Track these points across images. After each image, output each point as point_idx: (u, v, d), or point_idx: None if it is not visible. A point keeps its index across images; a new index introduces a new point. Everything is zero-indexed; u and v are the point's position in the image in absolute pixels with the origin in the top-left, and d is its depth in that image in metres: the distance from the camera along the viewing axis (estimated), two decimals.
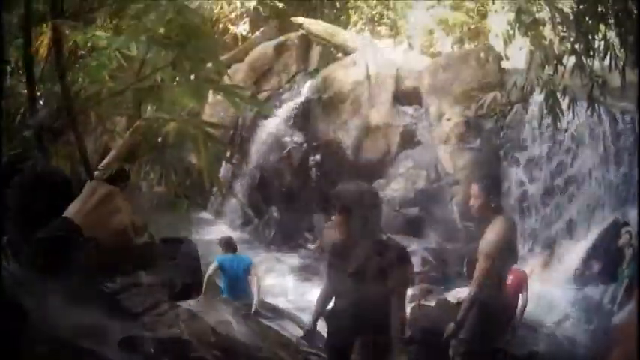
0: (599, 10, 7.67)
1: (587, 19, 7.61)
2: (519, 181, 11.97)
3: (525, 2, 8.16)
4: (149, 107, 3.83)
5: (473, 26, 18.03)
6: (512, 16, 12.05)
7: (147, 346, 3.48)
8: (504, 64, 13.30)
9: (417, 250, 11.18)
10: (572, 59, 7.75)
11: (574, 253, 10.96)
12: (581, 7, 7.71)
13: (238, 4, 17.66)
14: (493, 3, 17.76)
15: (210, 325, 4.87)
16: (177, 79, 3.51)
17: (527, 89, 8.19)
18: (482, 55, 13.09)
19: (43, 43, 3.70)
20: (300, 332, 8.25)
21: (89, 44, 3.98)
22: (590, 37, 7.65)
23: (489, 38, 17.35)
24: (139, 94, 3.56)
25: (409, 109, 13.52)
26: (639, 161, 10.18)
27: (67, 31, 3.58)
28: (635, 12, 7.38)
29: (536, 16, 8.38)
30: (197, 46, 2.90)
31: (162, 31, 3.00)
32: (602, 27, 7.75)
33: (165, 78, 3.40)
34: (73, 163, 3.74)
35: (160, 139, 3.69)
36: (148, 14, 2.91)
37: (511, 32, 8.71)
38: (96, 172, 4.53)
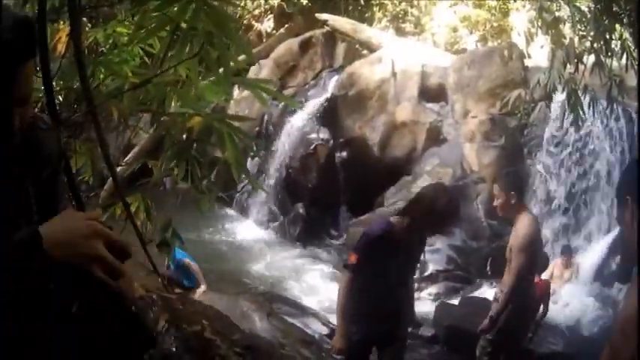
0: (614, 9, 7.65)
1: (604, 18, 7.58)
2: (542, 179, 11.85)
3: (546, 0, 8.12)
4: (173, 103, 3.81)
5: (495, 24, 17.98)
6: (533, 14, 12.01)
7: (167, 343, 3.47)
8: (527, 62, 13.20)
9: (442, 248, 11.14)
10: (592, 58, 7.75)
11: (593, 252, 10.85)
12: (598, 6, 7.69)
13: (262, 0, 17.65)
14: (515, 1, 17.74)
15: (233, 322, 4.83)
16: (202, 73, 3.47)
17: (550, 87, 8.17)
18: (505, 52, 12.98)
19: (61, 39, 3.68)
20: (324, 330, 8.24)
21: (110, 40, 3.96)
22: (607, 37, 7.63)
23: (512, 36, 17.30)
24: (162, 90, 3.53)
25: (435, 106, 13.41)
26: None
27: (86, 28, 3.55)
28: None
29: (556, 14, 8.35)
30: (225, 34, 2.84)
31: (184, 24, 2.95)
32: (618, 27, 7.73)
33: (190, 72, 3.36)
34: (94, 159, 3.72)
35: (184, 135, 3.66)
36: (171, 6, 2.85)
37: (533, 30, 8.70)
38: (119, 168, 4.50)
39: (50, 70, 2.49)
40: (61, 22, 3.68)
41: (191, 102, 3.45)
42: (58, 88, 3.55)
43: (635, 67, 7.61)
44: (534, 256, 6.25)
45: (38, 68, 2.60)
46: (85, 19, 4.39)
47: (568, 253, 10.43)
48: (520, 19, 17.15)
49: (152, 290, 4.20)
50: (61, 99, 3.73)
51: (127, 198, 3.85)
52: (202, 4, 2.72)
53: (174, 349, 3.48)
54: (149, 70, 3.79)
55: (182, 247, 6.47)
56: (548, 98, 9.62)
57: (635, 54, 7.64)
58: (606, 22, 7.57)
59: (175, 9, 2.86)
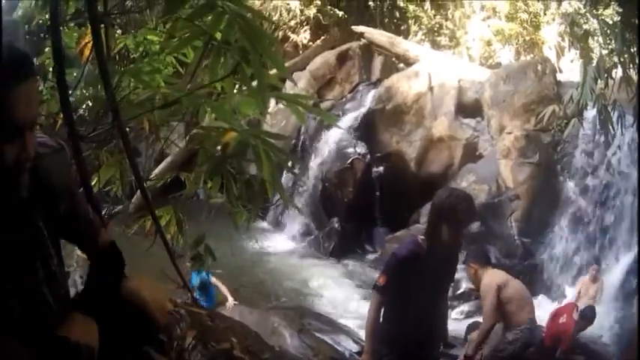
0: (635, 22, 7.62)
1: (629, 31, 7.54)
2: (573, 196, 11.69)
3: (575, 14, 8.10)
4: (207, 115, 3.75)
5: (527, 38, 17.82)
6: (563, 27, 11.88)
7: None
8: (558, 76, 13.08)
9: None
10: (620, 72, 7.74)
11: (617, 268, 10.69)
12: (622, 19, 7.66)
13: (298, 11, 17.67)
14: (544, 15, 17.61)
15: (263, 340, 4.74)
16: (237, 86, 3.41)
17: (583, 103, 8.12)
18: (539, 67, 12.85)
19: (87, 45, 3.62)
20: (354, 347, 8.13)
21: (141, 48, 3.90)
22: (632, 50, 7.60)
23: (543, 50, 17.18)
24: (195, 102, 3.46)
25: (471, 122, 13.32)
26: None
27: (116, 34, 3.49)
28: None
29: (584, 27, 8.31)
30: (260, 51, 2.76)
31: (219, 35, 2.88)
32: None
33: (225, 85, 3.30)
34: (122, 171, 3.67)
35: (219, 149, 3.59)
36: (204, 16, 2.78)
37: (563, 44, 8.72)
38: (148, 181, 4.44)
39: (65, 80, 2.41)
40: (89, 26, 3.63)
41: (226, 115, 3.37)
42: (82, 97, 3.51)
43: None
44: (495, 303, 7.11)
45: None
46: (115, 25, 4.35)
47: (595, 270, 10.26)
48: (551, 33, 17.07)
49: (181, 306, 4.12)
50: (84, 108, 3.69)
51: (158, 210, 3.79)
52: (236, 16, 2.64)
53: None
54: (182, 80, 3.74)
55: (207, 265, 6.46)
56: (580, 114, 9.55)
57: None
58: (630, 35, 7.55)
59: (209, 20, 2.80)
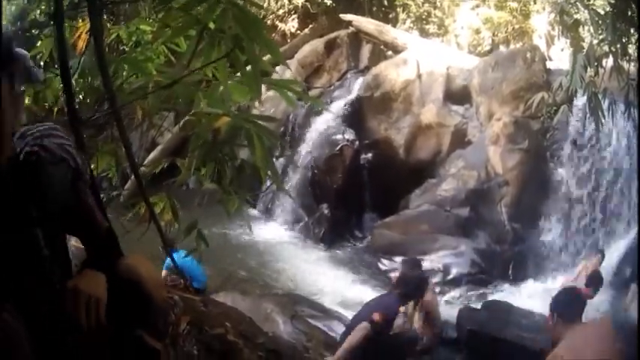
0: (629, 13, 7.67)
1: (620, 21, 7.60)
2: (563, 182, 11.77)
3: (566, 3, 8.15)
4: (200, 102, 3.77)
5: (517, 26, 17.87)
6: (553, 17, 11.91)
7: (189, 345, 3.43)
8: (548, 64, 13.13)
9: (466, 251, 11.10)
10: (611, 62, 7.81)
11: (610, 256, 10.73)
12: (614, 9, 7.71)
13: (286, 0, 17.65)
14: (535, 3, 17.65)
15: (256, 325, 4.80)
16: (230, 73, 3.43)
17: (572, 91, 8.20)
18: (528, 55, 12.91)
19: (81, 37, 3.64)
20: None
21: (134, 38, 3.92)
22: (624, 40, 7.67)
23: (533, 39, 17.23)
24: (188, 89, 3.48)
25: (460, 109, 13.37)
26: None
27: (107, 25, 3.51)
28: None
29: (575, 17, 8.37)
30: (254, 38, 2.79)
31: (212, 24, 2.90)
32: (632, 30, 7.77)
33: (218, 72, 3.32)
34: (117, 158, 3.70)
35: (211, 135, 3.62)
36: (197, 6, 2.81)
37: (553, 33, 8.77)
38: (142, 168, 4.47)
39: (69, 69, 2.44)
40: (80, 20, 3.64)
41: (217, 102, 3.40)
42: (77, 88, 3.53)
43: None
44: None
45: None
46: (105, 16, 4.37)
47: (590, 256, 10.29)
48: (541, 22, 17.11)
49: (174, 292, 4.17)
50: (81, 97, 3.71)
51: (152, 197, 3.82)
52: (230, 5, 2.67)
53: (195, 352, 3.44)
54: (174, 68, 3.75)
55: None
56: (569, 101, 9.62)
57: None
58: (622, 25, 7.61)
59: (202, 8, 2.82)
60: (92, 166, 3.57)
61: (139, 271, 2.04)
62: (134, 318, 2.08)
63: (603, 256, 10.15)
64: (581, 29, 8.57)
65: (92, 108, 3.19)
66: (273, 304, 8.01)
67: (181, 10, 2.82)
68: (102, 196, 3.17)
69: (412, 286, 7.01)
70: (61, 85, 2.70)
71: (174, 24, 2.93)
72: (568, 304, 5.98)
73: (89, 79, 3.53)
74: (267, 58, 3.33)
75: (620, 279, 10.25)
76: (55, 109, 3.40)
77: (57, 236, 1.95)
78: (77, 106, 3.23)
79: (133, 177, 3.62)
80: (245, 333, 4.17)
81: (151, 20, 3.94)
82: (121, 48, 4.29)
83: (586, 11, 8.16)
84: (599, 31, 8.13)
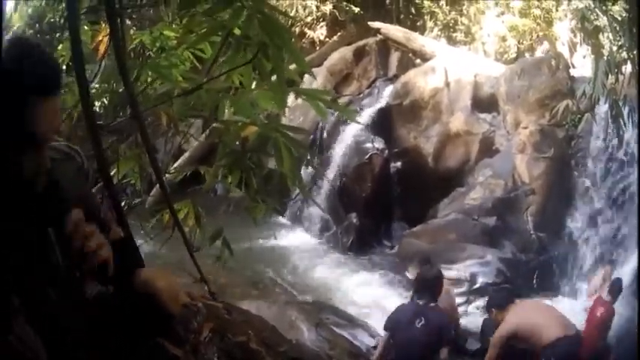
0: None
1: (636, 27, 7.56)
2: (588, 191, 11.65)
3: (586, 10, 8.09)
4: (226, 110, 3.76)
5: (541, 33, 17.77)
6: (574, 23, 11.83)
7: (210, 353, 3.41)
8: (572, 71, 13.04)
9: (492, 260, 11.01)
10: (629, 68, 7.75)
11: (629, 266, 10.59)
12: (630, 15, 7.66)
13: (314, 7, 17.68)
14: (556, 10, 17.56)
15: (280, 333, 4.78)
16: (256, 81, 3.42)
17: (595, 98, 8.13)
18: (553, 62, 12.82)
19: (102, 41, 3.64)
20: (372, 342, 8.16)
21: (157, 44, 3.92)
22: None
23: (557, 46, 17.13)
24: (214, 96, 3.48)
25: (487, 117, 13.30)
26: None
27: (131, 30, 3.51)
28: None
29: (595, 23, 8.31)
30: (279, 45, 2.78)
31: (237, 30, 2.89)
32: None
33: (243, 79, 3.31)
34: (141, 165, 3.69)
35: (238, 143, 3.61)
36: (222, 11, 2.80)
37: (575, 40, 8.74)
38: (167, 175, 4.47)
39: (85, 72, 2.44)
40: (103, 24, 3.64)
41: (244, 109, 3.39)
42: (99, 91, 3.52)
43: None
44: None
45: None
46: (128, 21, 4.37)
47: (609, 266, 10.17)
48: (563, 29, 17.03)
49: (197, 298, 4.15)
50: (105, 102, 3.71)
51: (177, 204, 3.82)
52: (255, 11, 2.66)
53: None
54: (200, 75, 3.75)
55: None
56: (592, 109, 9.55)
57: None
58: (636, 31, 7.56)
59: (226, 14, 2.81)
60: (113, 173, 3.57)
61: (156, 285, 2.00)
62: (150, 330, 2.06)
63: (614, 267, 10.05)
64: (601, 36, 8.51)
65: (115, 113, 3.19)
66: (298, 312, 8.00)
67: (205, 15, 2.81)
68: (123, 203, 3.16)
69: (429, 282, 7.28)
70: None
71: (198, 29, 2.93)
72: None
73: (114, 84, 3.54)
74: (292, 66, 3.32)
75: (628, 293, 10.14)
76: (75, 114, 3.40)
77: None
78: (99, 111, 3.23)
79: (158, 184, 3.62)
80: (267, 341, 4.15)
81: (174, 26, 3.94)
82: (147, 53, 4.30)
83: (605, 17, 8.11)
84: (617, 38, 8.08)
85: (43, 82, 1.64)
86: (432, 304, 7.12)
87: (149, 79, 3.57)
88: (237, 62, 2.98)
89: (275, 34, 2.71)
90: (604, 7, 8.02)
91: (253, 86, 3.38)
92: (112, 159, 3.58)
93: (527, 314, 7.50)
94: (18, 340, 1.59)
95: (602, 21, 8.35)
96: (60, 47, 4.08)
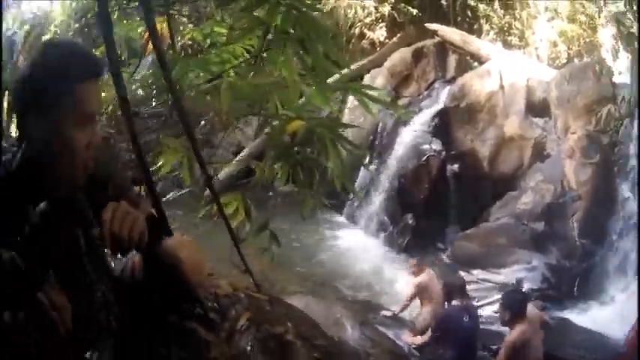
0: None
1: None
2: (628, 198, 11.46)
3: (623, 16, 8.03)
4: (278, 105, 3.81)
5: (588, 39, 17.62)
6: (615, 29, 11.68)
7: (244, 342, 3.47)
8: (615, 77, 12.87)
9: (539, 266, 11.04)
10: None
11: None
12: None
13: (372, 9, 17.73)
14: (599, 17, 17.42)
15: (319, 328, 4.81)
16: (304, 77, 3.45)
17: (635, 103, 8.06)
18: (597, 68, 12.66)
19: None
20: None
21: (209, 40, 4.00)
22: None
23: (601, 52, 16.94)
24: (259, 90, 3.54)
25: (540, 121, 13.15)
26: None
27: (189, 26, 3.59)
28: None
29: (630, 30, 8.24)
30: (317, 40, 2.82)
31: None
32: None
33: (287, 75, 3.35)
34: (189, 157, 3.75)
35: (287, 137, 3.65)
36: (257, 7, 2.86)
37: (616, 46, 8.67)
38: (221, 172, 4.55)
39: (117, 60, 2.52)
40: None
41: (294, 105, 3.44)
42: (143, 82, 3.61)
43: None
44: None
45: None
46: (184, 18, 4.47)
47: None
48: (606, 35, 16.86)
49: (240, 289, 4.22)
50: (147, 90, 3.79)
51: (227, 197, 3.88)
52: (291, 7, 2.71)
53: (248, 348, 3.48)
54: (248, 70, 3.80)
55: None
56: (632, 114, 9.45)
57: None
58: None
59: (263, 10, 2.86)
60: (160, 164, 3.67)
61: (179, 253, 1.98)
62: (172, 298, 2.06)
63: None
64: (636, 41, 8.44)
65: (158, 104, 3.27)
66: (345, 310, 8.03)
67: (243, 11, 2.87)
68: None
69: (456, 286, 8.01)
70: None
71: (238, 25, 2.99)
72: None
73: (154, 77, 3.62)
74: (355, 65, 3.35)
75: None
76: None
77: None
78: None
79: (218, 175, 3.68)
80: (305, 334, 4.19)
81: (224, 23, 4.01)
82: (200, 48, 4.39)
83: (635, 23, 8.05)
84: None
85: (92, 66, 1.81)
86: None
87: (201, 75, 3.64)
88: (278, 57, 3.03)
89: (312, 30, 2.76)
90: (636, 13, 7.94)
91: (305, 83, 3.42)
92: (155, 150, 3.66)
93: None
94: (47, 300, 1.66)
95: (636, 26, 8.28)
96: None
